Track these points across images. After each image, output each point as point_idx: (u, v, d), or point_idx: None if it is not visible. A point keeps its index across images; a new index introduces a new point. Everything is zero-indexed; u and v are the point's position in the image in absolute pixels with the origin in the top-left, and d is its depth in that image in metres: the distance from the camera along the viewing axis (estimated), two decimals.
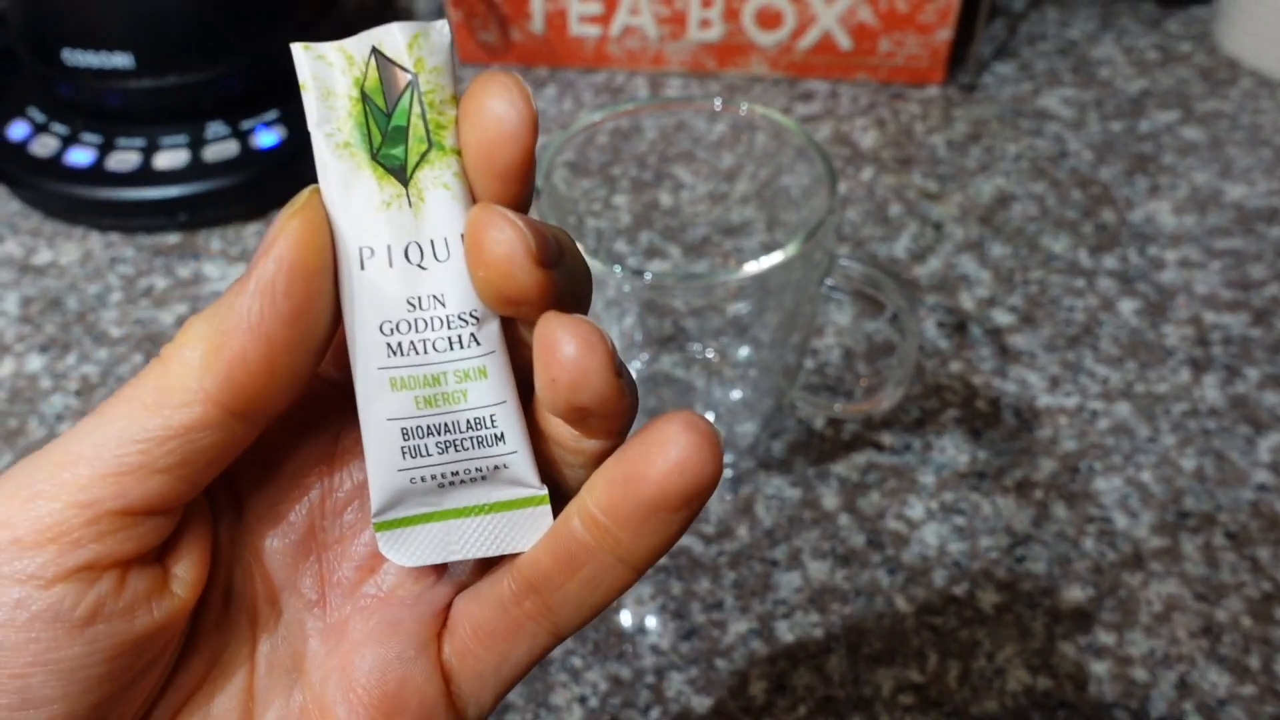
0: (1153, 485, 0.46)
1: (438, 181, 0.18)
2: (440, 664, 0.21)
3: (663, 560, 0.44)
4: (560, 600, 0.20)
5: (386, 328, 0.18)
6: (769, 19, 0.64)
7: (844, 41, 0.65)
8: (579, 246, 0.20)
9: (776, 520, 0.45)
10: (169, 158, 0.56)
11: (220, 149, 0.57)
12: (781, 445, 0.48)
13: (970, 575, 0.43)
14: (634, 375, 0.50)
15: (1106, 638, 0.41)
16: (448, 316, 0.18)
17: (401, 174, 0.18)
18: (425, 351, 0.18)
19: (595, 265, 0.38)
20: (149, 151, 0.56)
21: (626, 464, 0.19)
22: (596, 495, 0.19)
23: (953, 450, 0.48)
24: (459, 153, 0.18)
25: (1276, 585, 0.43)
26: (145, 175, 0.56)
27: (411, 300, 0.18)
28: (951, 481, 0.46)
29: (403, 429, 0.19)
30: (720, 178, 0.52)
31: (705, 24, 0.65)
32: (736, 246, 0.54)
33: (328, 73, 0.18)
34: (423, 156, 0.18)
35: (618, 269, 0.38)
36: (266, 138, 0.57)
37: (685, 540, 0.45)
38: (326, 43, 0.18)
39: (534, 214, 0.20)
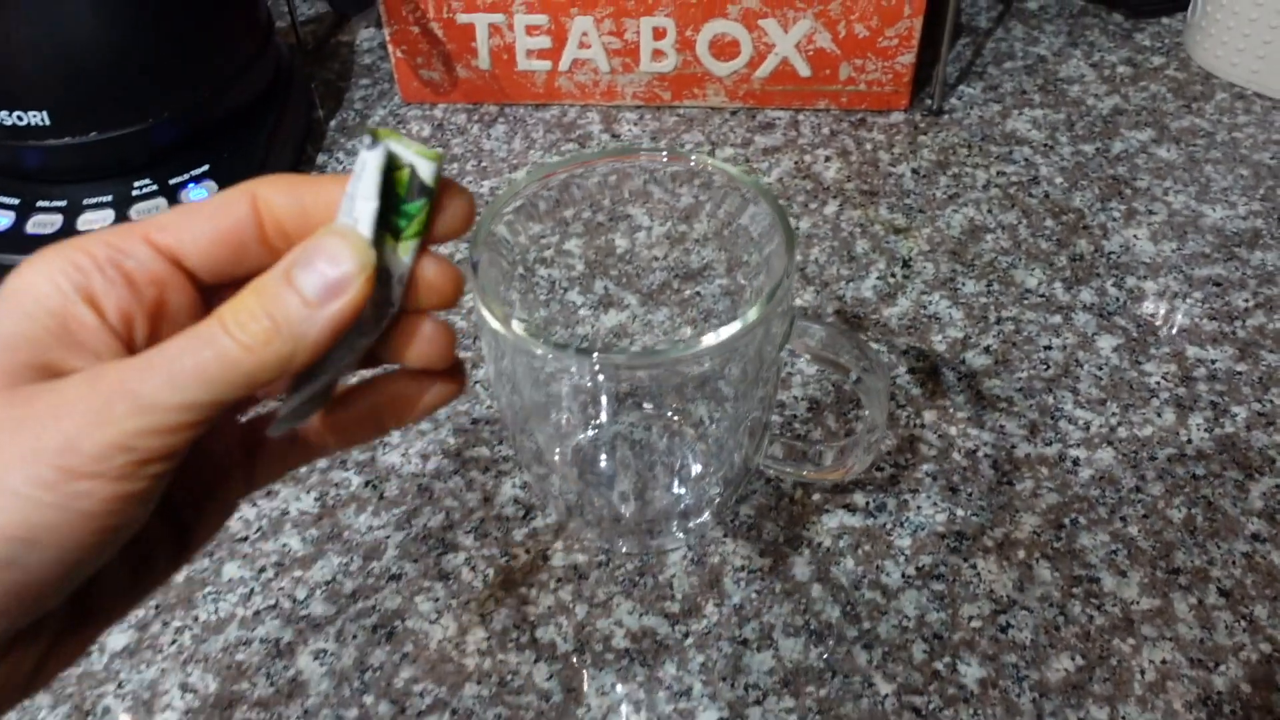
0: (1141, 539, 0.44)
1: (412, 246, 0.26)
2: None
3: (625, 644, 0.41)
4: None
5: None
6: (724, 49, 0.61)
7: (803, 69, 0.62)
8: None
9: (746, 595, 0.43)
10: (94, 218, 0.53)
11: (148, 207, 0.54)
12: (750, 509, 0.45)
13: (952, 648, 0.41)
14: (593, 436, 0.47)
15: (1098, 712, 0.39)
16: (392, 313, 0.26)
17: (398, 235, 0.26)
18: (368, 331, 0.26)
19: (538, 350, 0.35)
20: (72, 212, 0.53)
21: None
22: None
23: (929, 509, 0.45)
24: (421, 234, 0.26)
25: (1276, 646, 0.40)
26: (69, 238, 0.53)
27: (379, 300, 0.25)
28: (929, 544, 0.44)
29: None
30: (678, 217, 0.50)
31: (658, 55, 0.62)
32: (696, 292, 0.51)
33: (379, 163, 0.25)
34: (414, 233, 0.26)
35: (566, 352, 0.35)
36: (196, 194, 0.54)
37: (649, 621, 0.42)
38: (389, 143, 0.25)
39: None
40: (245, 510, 0.46)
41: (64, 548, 0.21)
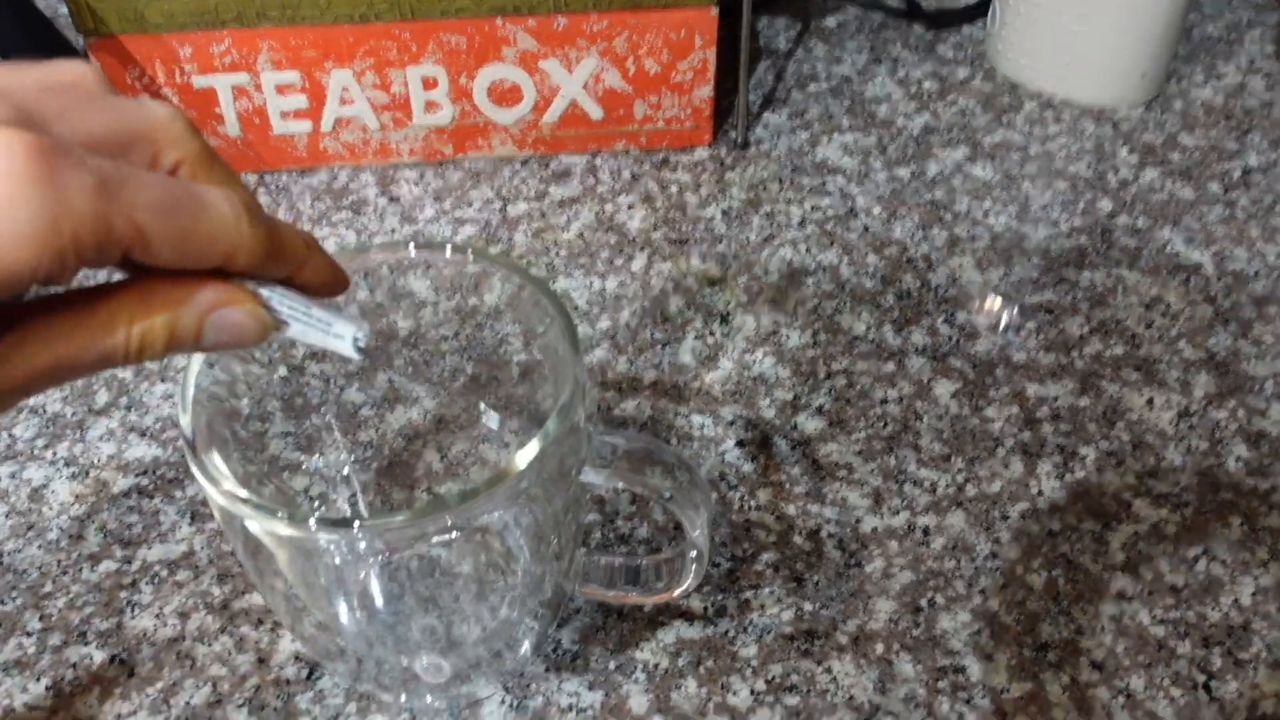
0: (1003, 614, 0.40)
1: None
2: None
3: None
4: None
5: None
6: (505, 95, 0.55)
7: (595, 111, 0.56)
8: None
9: None
10: None
11: None
12: (573, 634, 0.39)
13: None
14: (386, 561, 0.41)
15: None
16: None
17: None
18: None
19: (282, 531, 0.28)
20: None
21: None
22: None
23: (774, 607, 0.40)
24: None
25: None
26: None
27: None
28: (778, 649, 0.39)
29: None
30: (467, 286, 0.43)
31: (432, 106, 0.56)
32: (494, 376, 0.45)
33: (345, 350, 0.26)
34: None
35: (313, 524, 0.28)
36: None
37: None
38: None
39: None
40: None
41: None
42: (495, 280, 0.40)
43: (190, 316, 0.23)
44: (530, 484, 0.31)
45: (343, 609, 0.38)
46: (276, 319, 0.24)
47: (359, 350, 0.25)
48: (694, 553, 0.34)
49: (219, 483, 0.28)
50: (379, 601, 0.40)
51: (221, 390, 0.35)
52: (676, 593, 0.36)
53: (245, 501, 0.29)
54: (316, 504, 0.44)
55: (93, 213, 0.19)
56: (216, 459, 0.29)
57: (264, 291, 0.24)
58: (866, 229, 0.54)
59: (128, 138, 0.22)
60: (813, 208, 0.56)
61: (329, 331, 0.25)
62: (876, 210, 0.55)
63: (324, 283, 0.25)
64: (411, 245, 0.35)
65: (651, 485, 0.31)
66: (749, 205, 0.56)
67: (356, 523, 0.29)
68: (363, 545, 0.32)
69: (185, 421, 0.31)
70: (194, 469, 0.29)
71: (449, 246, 0.35)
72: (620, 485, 0.33)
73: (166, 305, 0.22)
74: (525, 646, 0.38)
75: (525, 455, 0.30)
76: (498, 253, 0.38)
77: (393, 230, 0.55)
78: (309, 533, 0.29)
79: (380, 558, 0.39)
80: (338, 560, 0.37)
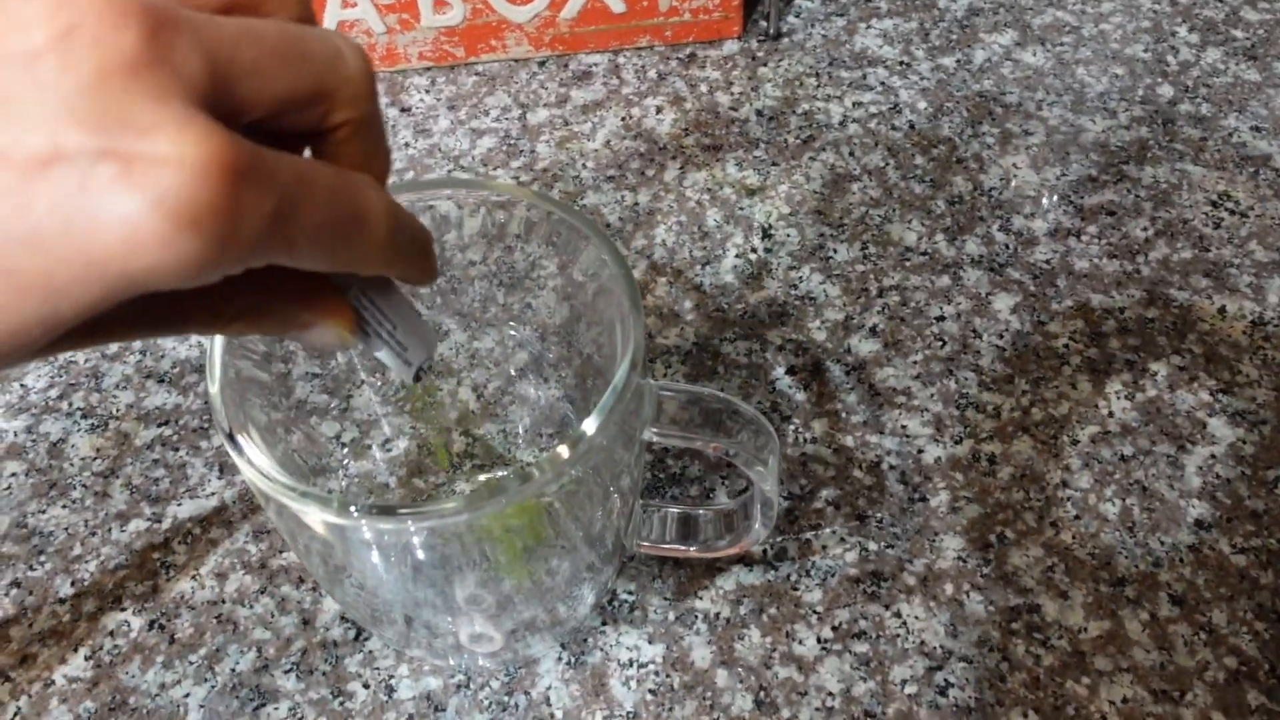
0: (1077, 548, 0.38)
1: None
2: None
3: None
4: None
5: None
6: None
7: (616, 3, 0.52)
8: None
9: (639, 697, 0.35)
10: None
11: None
12: (628, 584, 0.38)
13: None
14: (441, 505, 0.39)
15: None
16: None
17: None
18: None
19: (327, 517, 0.26)
20: None
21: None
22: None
23: (837, 547, 0.38)
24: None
25: (1241, 658, 0.35)
26: None
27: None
28: (844, 592, 0.37)
29: None
30: (492, 203, 0.40)
31: (441, 6, 0.51)
32: (527, 304, 0.42)
33: (404, 378, 0.25)
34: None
35: (355, 512, 0.26)
36: None
37: None
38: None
39: None
40: None
41: None
42: (523, 203, 0.37)
43: (281, 326, 0.22)
44: (591, 454, 0.28)
45: (383, 566, 0.37)
46: (358, 332, 0.23)
47: (416, 379, 0.24)
48: (768, 507, 0.32)
49: (264, 473, 0.26)
50: (421, 559, 0.38)
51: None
52: (747, 547, 0.34)
53: (290, 489, 0.26)
54: (346, 451, 0.42)
55: (259, 242, 0.17)
56: (246, 438, 0.27)
57: (358, 300, 0.22)
58: (912, 126, 0.51)
59: (313, 98, 0.19)
60: (854, 104, 0.52)
61: (402, 356, 0.23)
62: (922, 105, 0.52)
63: (419, 280, 0.23)
64: (449, 189, 0.32)
65: (715, 444, 0.29)
66: (785, 104, 0.52)
67: (402, 513, 0.26)
68: (413, 537, 0.30)
69: (215, 391, 0.29)
70: (230, 451, 0.26)
71: (495, 189, 0.32)
72: (680, 445, 0.31)
73: (265, 315, 0.21)
74: (584, 607, 0.36)
75: (589, 425, 0.28)
76: (561, 200, 0.35)
77: (406, 144, 0.51)
78: (353, 521, 0.27)
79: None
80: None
